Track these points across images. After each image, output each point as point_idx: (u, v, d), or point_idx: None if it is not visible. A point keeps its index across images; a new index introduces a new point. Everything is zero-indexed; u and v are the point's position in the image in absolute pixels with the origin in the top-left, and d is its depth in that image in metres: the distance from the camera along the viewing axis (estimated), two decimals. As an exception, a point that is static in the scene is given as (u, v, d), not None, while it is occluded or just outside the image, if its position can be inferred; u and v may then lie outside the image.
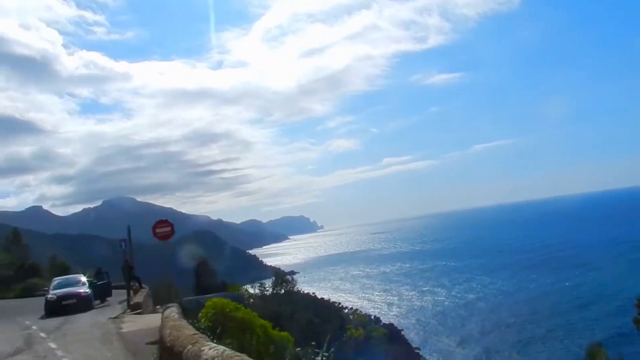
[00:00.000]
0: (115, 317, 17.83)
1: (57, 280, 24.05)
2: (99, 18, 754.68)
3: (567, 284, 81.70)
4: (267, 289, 43.08)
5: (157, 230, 19.57)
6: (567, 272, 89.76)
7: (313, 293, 67.83)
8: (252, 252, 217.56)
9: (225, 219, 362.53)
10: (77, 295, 21.96)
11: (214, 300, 11.54)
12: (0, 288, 30.42)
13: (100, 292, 24.91)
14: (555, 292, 76.96)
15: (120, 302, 22.99)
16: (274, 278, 46.64)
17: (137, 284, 25.47)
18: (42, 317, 20.27)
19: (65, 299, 21.53)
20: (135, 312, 19.34)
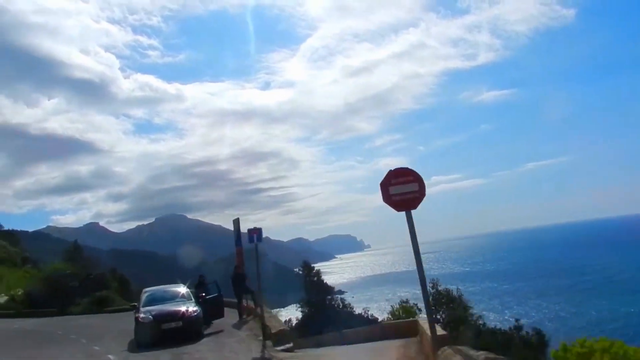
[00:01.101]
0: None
1: (149, 291, 17.83)
2: (153, 42, 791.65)
3: (631, 309, 77.05)
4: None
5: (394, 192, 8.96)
6: (628, 297, 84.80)
7: (366, 312, 66.97)
8: (298, 270, 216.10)
9: (272, 237, 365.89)
10: (183, 316, 15.59)
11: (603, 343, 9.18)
12: (64, 301, 31.15)
13: (211, 311, 18.25)
14: (617, 319, 72.72)
15: (238, 327, 18.09)
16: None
17: (250, 301, 20.19)
18: (131, 349, 14.78)
19: (165, 321, 15.33)
20: (283, 347, 14.11)
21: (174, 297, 17.34)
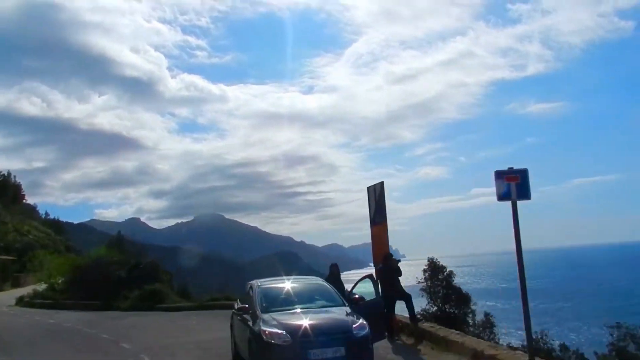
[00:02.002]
0: None
1: (267, 285, 10.32)
2: (201, 42, 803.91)
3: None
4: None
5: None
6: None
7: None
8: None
9: (307, 241, 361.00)
10: (348, 338, 8.24)
11: None
12: (110, 292, 26.50)
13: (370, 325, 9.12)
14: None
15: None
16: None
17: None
18: None
19: (317, 344, 8.04)
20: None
21: (314, 297, 9.88)
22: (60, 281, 38.89)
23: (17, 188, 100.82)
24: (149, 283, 26.16)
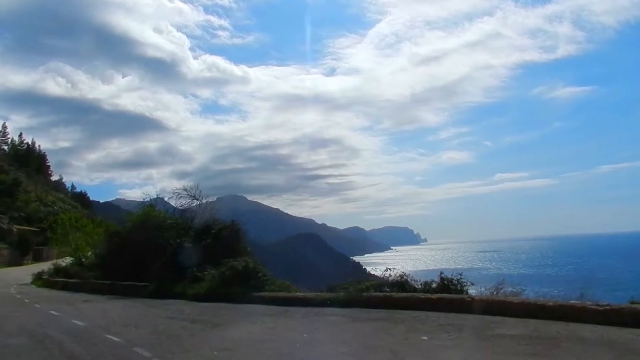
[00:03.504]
0: None
1: None
2: (224, 22, 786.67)
3: None
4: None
5: None
6: None
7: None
8: (354, 258, 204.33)
9: (328, 224, 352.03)
10: None
11: None
12: (169, 271, 17.15)
13: None
14: None
15: None
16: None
17: None
18: None
19: None
20: None
21: None
22: (90, 254, 29.65)
23: (41, 158, 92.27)
24: (228, 257, 16.50)
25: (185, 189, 19.99)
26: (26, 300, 16.55)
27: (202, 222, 19.43)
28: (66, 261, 30.35)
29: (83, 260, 29.36)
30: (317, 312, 10.69)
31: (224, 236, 17.90)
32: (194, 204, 20.12)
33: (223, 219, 19.38)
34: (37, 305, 14.44)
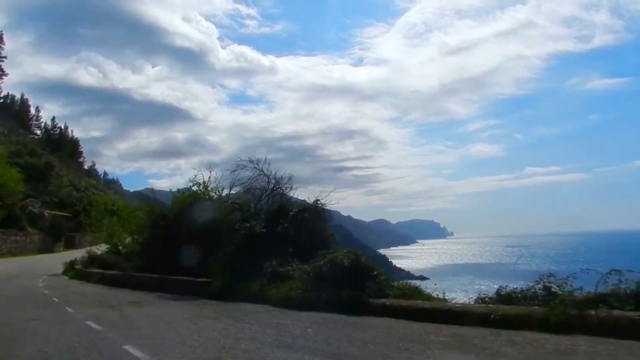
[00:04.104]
0: None
1: None
2: (252, 11, 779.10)
3: None
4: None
5: None
6: None
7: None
8: (381, 251, 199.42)
9: (354, 216, 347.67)
10: None
11: None
12: (234, 265, 13.15)
13: None
14: None
15: None
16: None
17: None
18: None
19: None
20: None
21: None
22: (128, 241, 25.93)
23: (74, 144, 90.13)
24: (313, 247, 12.33)
25: (250, 160, 15.75)
26: (55, 299, 12.60)
27: (273, 204, 15.20)
28: (101, 249, 26.78)
29: (120, 248, 25.73)
30: (519, 341, 6.28)
31: (305, 220, 13.66)
32: (260, 180, 15.84)
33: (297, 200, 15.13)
34: (68, 309, 10.42)
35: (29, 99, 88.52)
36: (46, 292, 14.74)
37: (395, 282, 10.49)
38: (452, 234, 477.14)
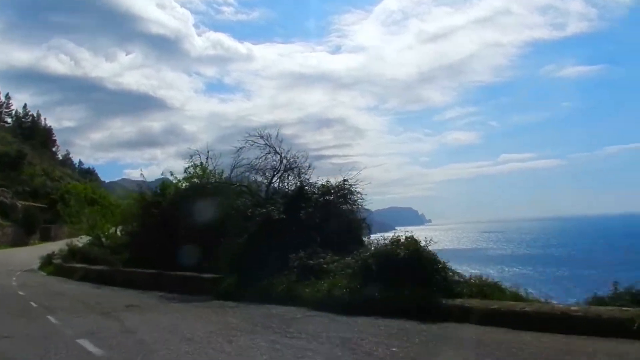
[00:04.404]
0: None
1: None
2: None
3: None
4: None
5: None
6: None
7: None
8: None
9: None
10: None
11: None
12: (248, 258, 10.98)
13: None
14: None
15: None
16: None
17: None
18: None
19: None
20: None
21: None
22: (110, 233, 23.41)
23: (47, 132, 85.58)
24: (342, 236, 10.35)
25: (261, 136, 13.47)
26: (33, 303, 10.21)
27: (288, 186, 13.05)
28: (82, 241, 24.21)
29: (103, 240, 23.23)
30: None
31: (332, 204, 11.55)
32: (270, 160, 13.60)
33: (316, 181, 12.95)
34: (50, 318, 8.11)
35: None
36: (21, 292, 12.32)
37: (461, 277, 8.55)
38: (430, 220, 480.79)
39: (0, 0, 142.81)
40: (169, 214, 15.27)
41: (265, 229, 11.21)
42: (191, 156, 15.83)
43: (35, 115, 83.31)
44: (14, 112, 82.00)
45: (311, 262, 9.73)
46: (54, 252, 23.53)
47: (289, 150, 13.60)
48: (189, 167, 15.98)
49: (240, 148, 13.73)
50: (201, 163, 15.89)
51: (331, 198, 11.70)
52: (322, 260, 9.67)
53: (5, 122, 79.45)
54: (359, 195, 11.94)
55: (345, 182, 11.88)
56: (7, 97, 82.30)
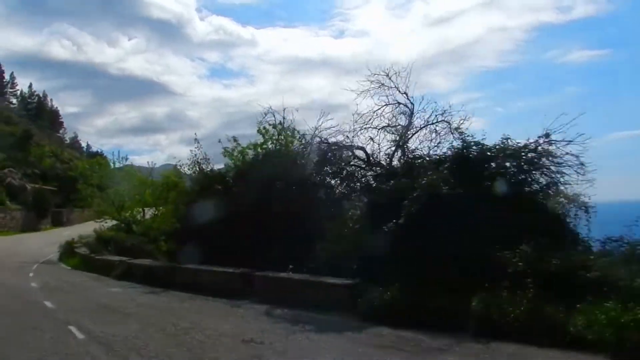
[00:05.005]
0: None
1: None
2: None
3: None
4: None
5: None
6: None
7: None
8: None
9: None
10: None
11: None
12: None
13: None
14: None
15: None
16: None
17: None
18: None
19: None
20: None
21: None
22: (140, 217, 19.32)
23: (54, 114, 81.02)
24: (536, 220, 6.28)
25: (386, 74, 9.24)
26: (77, 333, 6.06)
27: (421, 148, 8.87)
28: (106, 225, 20.12)
29: (133, 225, 19.17)
30: None
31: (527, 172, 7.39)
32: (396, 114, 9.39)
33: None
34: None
35: (1, 64, 78.75)
36: (49, 304, 8.16)
37: None
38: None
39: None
40: (243, 191, 11.15)
41: (430, 210, 7.05)
42: (265, 114, 11.62)
43: (41, 95, 78.68)
44: (18, 92, 77.43)
45: (554, 265, 5.59)
46: (73, 239, 19.46)
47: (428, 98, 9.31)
48: (261, 127, 11.78)
49: (368, 89, 9.39)
50: (279, 122, 11.69)
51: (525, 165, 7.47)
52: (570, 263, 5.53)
53: (10, 102, 74.94)
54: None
55: (547, 138, 7.59)
56: (12, 76, 77.64)
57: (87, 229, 24.59)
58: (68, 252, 17.91)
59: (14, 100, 77.48)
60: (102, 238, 16.19)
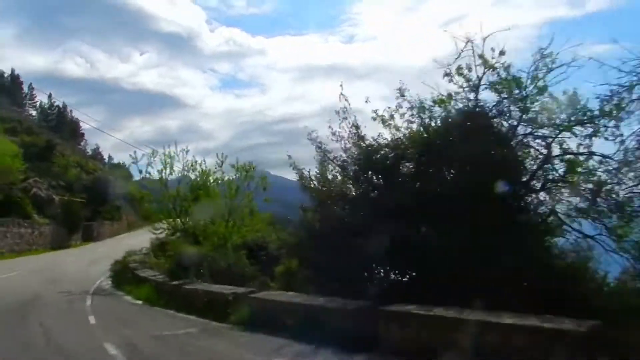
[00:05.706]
0: None
1: None
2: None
3: None
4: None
5: None
6: None
7: None
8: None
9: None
10: None
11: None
12: None
13: None
14: None
15: None
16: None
17: None
18: None
19: None
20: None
21: None
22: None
23: (74, 125, 77.33)
24: None
25: None
26: None
27: None
28: (161, 235, 15.48)
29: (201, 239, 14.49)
30: None
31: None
32: None
33: None
34: None
35: (20, 75, 75.39)
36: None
37: None
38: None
39: (13, 6, 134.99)
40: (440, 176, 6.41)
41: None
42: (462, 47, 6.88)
43: (61, 106, 75.07)
44: (37, 104, 74.00)
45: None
46: (124, 258, 14.87)
47: None
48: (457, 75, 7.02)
49: None
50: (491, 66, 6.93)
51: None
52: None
53: (30, 114, 71.46)
54: None
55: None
56: (31, 87, 74.21)
57: (122, 243, 19.99)
58: (120, 275, 13.29)
59: (34, 112, 74.14)
60: (181, 259, 11.40)
